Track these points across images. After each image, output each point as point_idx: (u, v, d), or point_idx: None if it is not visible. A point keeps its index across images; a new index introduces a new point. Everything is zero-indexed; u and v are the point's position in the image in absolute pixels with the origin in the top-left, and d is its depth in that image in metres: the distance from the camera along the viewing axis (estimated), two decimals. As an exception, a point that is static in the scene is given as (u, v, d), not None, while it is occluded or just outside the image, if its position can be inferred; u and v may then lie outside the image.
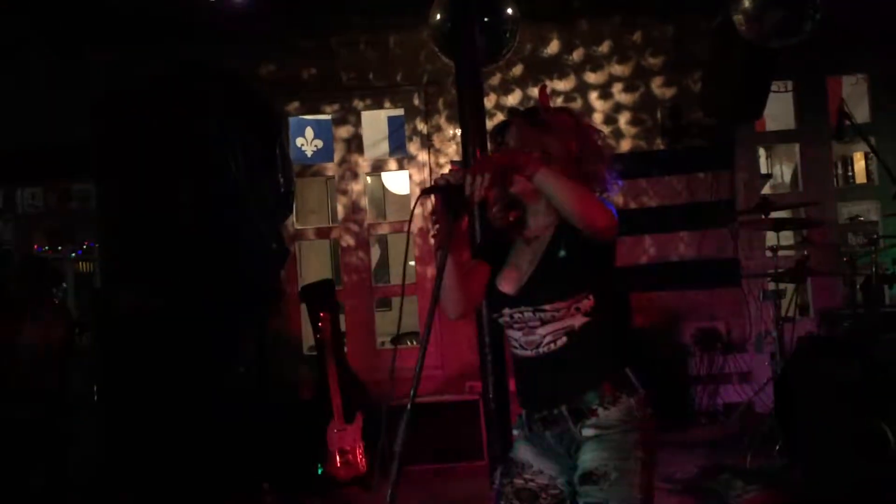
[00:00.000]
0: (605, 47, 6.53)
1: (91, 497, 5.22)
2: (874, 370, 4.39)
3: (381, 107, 6.82)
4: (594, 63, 6.53)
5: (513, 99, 6.52)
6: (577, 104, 6.41)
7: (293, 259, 6.52)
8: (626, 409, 2.21)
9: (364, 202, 6.73)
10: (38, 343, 5.24)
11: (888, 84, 6.55)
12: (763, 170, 8.13)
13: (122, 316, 5.30)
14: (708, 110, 6.22)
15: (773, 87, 6.17)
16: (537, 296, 2.24)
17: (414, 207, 2.40)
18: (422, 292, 6.48)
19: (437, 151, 6.59)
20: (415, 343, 6.97)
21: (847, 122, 5.12)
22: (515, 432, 2.42)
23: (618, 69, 6.52)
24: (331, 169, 6.86)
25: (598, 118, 6.43)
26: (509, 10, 5.25)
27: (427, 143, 6.60)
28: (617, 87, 6.53)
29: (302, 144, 7.98)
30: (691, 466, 4.96)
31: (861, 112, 6.48)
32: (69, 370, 5.38)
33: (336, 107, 6.70)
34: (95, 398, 5.39)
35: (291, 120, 7.02)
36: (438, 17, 5.22)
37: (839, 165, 7.62)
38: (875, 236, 5.26)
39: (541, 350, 2.25)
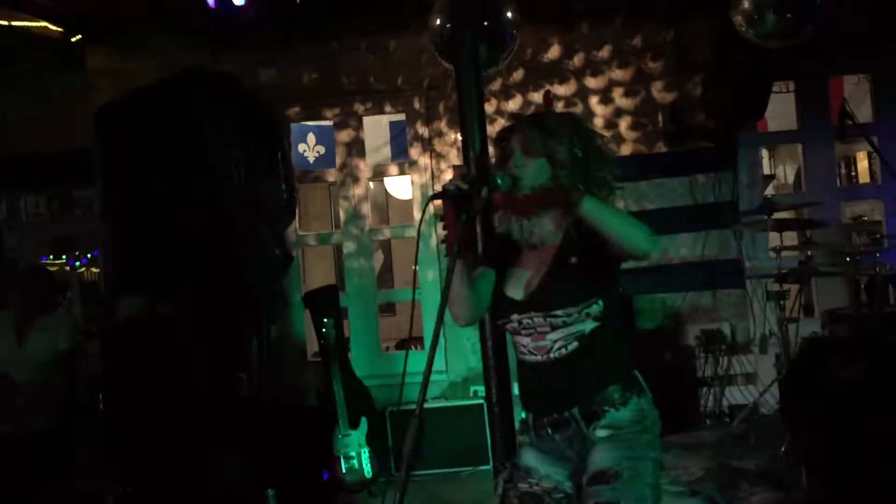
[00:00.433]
0: (605, 51, 6.53)
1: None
2: (879, 370, 4.39)
3: (382, 111, 6.82)
4: (595, 67, 6.53)
5: (513, 104, 6.52)
6: (577, 109, 6.40)
7: (296, 265, 6.52)
8: (637, 410, 2.24)
9: (366, 207, 6.73)
10: (44, 352, 5.26)
11: (890, 83, 6.54)
12: (766, 171, 8.13)
13: (127, 324, 5.31)
14: (710, 112, 6.22)
15: (775, 88, 6.18)
16: (548, 301, 2.25)
17: (424, 213, 2.41)
18: (425, 297, 6.48)
19: (439, 156, 6.60)
20: (419, 348, 6.97)
21: (849, 122, 5.13)
22: (520, 438, 2.43)
23: (618, 73, 6.52)
24: (333, 174, 6.86)
25: (598, 123, 6.43)
26: (510, 15, 5.26)
27: (428, 147, 6.61)
28: (617, 92, 6.52)
29: (304, 150, 7.99)
30: (697, 468, 4.95)
31: (863, 112, 6.48)
32: (75, 379, 5.38)
33: (337, 111, 6.71)
34: (101, 406, 5.39)
35: (294, 126, 7.03)
36: (438, 21, 5.23)
37: (842, 165, 7.63)
38: (879, 236, 5.26)
39: (551, 355, 2.26)
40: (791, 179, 8.38)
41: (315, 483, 5.32)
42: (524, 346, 2.32)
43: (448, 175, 6.49)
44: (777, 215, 5.54)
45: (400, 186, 8.35)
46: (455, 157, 6.49)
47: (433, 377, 2.12)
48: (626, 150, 6.44)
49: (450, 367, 6.38)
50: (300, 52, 6.57)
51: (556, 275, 2.27)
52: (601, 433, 2.22)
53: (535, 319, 2.26)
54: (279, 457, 5.14)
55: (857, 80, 7.25)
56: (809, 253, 5.63)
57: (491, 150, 4.04)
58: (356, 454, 5.33)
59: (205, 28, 5.84)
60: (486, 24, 5.00)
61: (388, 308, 8.08)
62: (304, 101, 6.70)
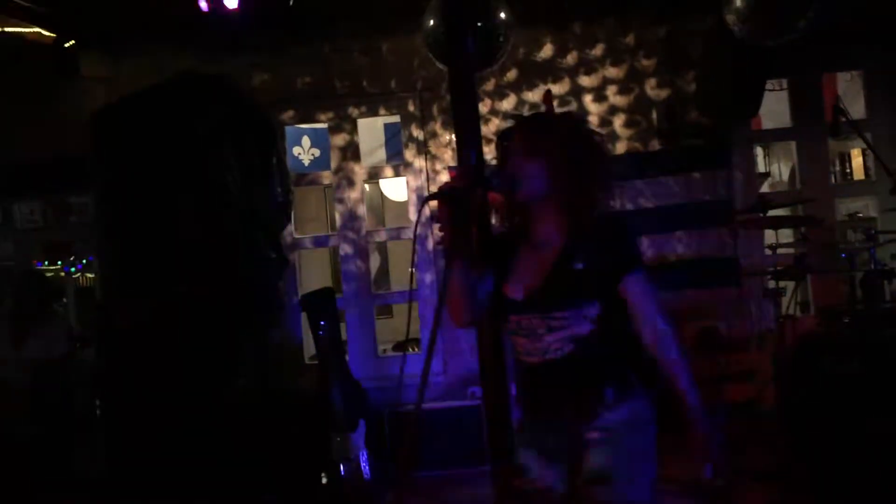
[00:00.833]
0: (598, 50, 6.53)
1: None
2: (875, 366, 4.39)
3: (376, 114, 6.82)
4: (588, 66, 6.54)
5: (507, 104, 6.52)
6: (571, 107, 6.41)
7: (292, 268, 6.52)
8: (631, 411, 2.23)
9: (362, 210, 6.73)
10: (40, 358, 5.25)
11: (883, 80, 6.56)
12: (760, 168, 8.14)
13: (122, 329, 5.30)
14: (703, 110, 6.23)
15: (769, 86, 6.18)
16: (547, 303, 2.25)
17: (419, 216, 2.40)
18: (422, 299, 6.48)
19: (434, 157, 6.60)
20: (416, 349, 6.97)
21: (842, 119, 5.13)
22: (517, 438, 2.43)
23: (612, 71, 6.53)
24: (328, 177, 6.86)
25: (593, 121, 6.43)
26: (502, 15, 5.26)
27: (423, 149, 6.61)
28: (611, 90, 6.53)
29: (299, 153, 7.98)
30: (693, 468, 4.94)
31: (857, 108, 6.49)
32: (71, 385, 5.37)
33: (331, 115, 6.71)
34: (98, 412, 5.39)
35: (289, 129, 7.03)
36: (431, 22, 5.23)
37: (837, 162, 7.63)
38: (874, 232, 5.26)
39: (547, 357, 2.26)
40: (786, 177, 8.39)
41: (314, 486, 5.31)
42: (522, 347, 2.32)
43: (444, 176, 6.50)
44: (772, 212, 5.54)
45: (395, 188, 8.34)
46: (450, 159, 6.49)
47: (430, 378, 2.12)
48: (620, 147, 6.45)
49: (447, 368, 6.37)
50: (293, 56, 6.57)
51: (555, 277, 2.27)
52: (595, 435, 2.22)
53: (534, 321, 2.26)
54: (277, 460, 5.14)
55: (850, 77, 7.26)
56: (805, 250, 5.64)
57: (486, 149, 4.05)
58: (354, 457, 5.32)
59: (198, 33, 5.83)
60: (479, 24, 5.01)
61: (385, 310, 8.07)
62: (297, 105, 6.70)
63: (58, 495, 5.12)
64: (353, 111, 6.69)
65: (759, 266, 6.13)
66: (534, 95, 6.50)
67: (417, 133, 6.62)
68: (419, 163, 6.61)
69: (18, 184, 6.65)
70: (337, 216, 6.80)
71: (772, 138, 7.58)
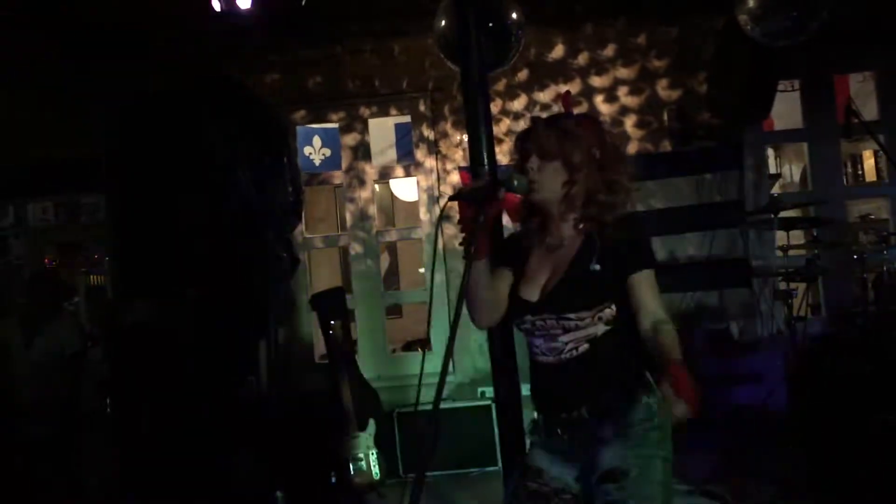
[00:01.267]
0: (609, 50, 6.53)
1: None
2: (887, 368, 4.37)
3: (387, 114, 6.82)
4: (599, 66, 6.54)
5: (518, 104, 6.52)
6: (583, 108, 6.41)
7: (303, 268, 6.52)
8: (646, 409, 2.23)
9: (372, 210, 6.74)
10: (51, 357, 5.27)
11: (896, 81, 6.53)
12: (772, 169, 8.12)
13: (133, 328, 5.32)
14: (714, 111, 6.22)
15: (780, 87, 6.16)
16: (562, 304, 2.25)
17: (441, 213, 2.42)
18: (433, 298, 6.45)
19: (445, 157, 6.60)
20: (419, 350, 6.97)
21: (855, 120, 5.11)
22: (530, 438, 2.43)
23: (623, 72, 6.52)
24: (339, 177, 6.87)
25: (604, 122, 6.41)
26: (514, 15, 5.26)
27: (434, 149, 6.61)
28: (622, 90, 6.52)
29: (310, 153, 7.99)
30: (705, 467, 4.94)
31: (869, 110, 6.46)
32: (81, 384, 5.39)
33: (342, 114, 6.72)
34: (108, 411, 5.40)
35: (300, 129, 7.04)
36: (443, 23, 5.23)
37: (849, 164, 7.62)
38: (886, 233, 5.25)
39: (563, 356, 2.27)
40: (797, 178, 8.37)
41: (324, 485, 5.32)
42: (537, 347, 2.32)
43: (454, 177, 6.50)
44: (783, 214, 5.53)
45: (406, 188, 8.34)
46: (461, 159, 6.49)
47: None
48: (632, 148, 6.43)
49: (457, 368, 6.37)
50: (305, 56, 6.58)
51: (572, 278, 2.28)
52: (609, 432, 2.22)
53: (549, 321, 2.27)
54: (287, 459, 5.14)
55: (862, 78, 7.23)
56: (816, 251, 5.62)
57: (497, 150, 4.05)
58: (364, 456, 5.33)
59: (210, 33, 5.84)
60: (490, 24, 5.00)
61: (395, 310, 8.08)
62: (309, 105, 6.71)
63: (66, 495, 5.14)
64: (365, 111, 6.70)
65: (770, 267, 6.11)
66: (545, 96, 6.49)
67: (428, 133, 6.62)
68: (430, 163, 6.61)
69: (30, 184, 6.68)
70: (347, 216, 6.80)
71: (783, 139, 7.55)
